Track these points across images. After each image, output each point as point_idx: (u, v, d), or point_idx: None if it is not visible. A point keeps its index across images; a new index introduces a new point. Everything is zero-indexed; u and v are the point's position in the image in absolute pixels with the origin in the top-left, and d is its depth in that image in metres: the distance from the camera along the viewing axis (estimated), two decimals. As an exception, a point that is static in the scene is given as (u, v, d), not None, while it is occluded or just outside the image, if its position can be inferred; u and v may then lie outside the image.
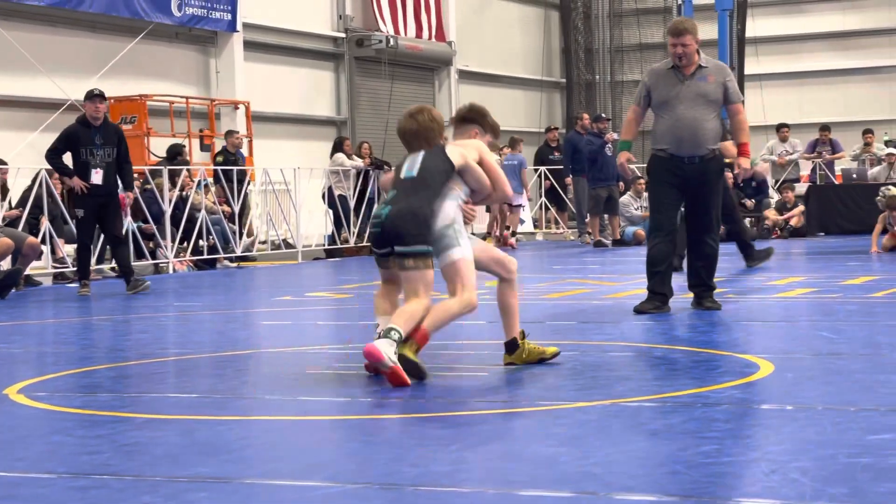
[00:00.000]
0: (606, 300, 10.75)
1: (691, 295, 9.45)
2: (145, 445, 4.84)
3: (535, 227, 25.95)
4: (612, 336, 8.16)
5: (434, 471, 4.27)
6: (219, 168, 18.51)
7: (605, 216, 20.93)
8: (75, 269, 15.56)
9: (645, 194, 21.21)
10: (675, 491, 3.86)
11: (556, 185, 24.41)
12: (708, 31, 31.79)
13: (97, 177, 12.77)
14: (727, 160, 9.69)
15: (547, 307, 10.30)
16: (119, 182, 13.20)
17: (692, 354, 7.07)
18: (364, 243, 20.34)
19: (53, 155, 13.08)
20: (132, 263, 14.21)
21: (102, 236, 14.91)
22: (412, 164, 6.56)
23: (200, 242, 17.53)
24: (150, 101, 19.90)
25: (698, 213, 9.23)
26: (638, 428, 4.89)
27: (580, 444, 4.57)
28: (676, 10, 30.13)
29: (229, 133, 19.91)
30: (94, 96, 12.87)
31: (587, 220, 21.29)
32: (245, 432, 5.21)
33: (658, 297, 9.24)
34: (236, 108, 22.07)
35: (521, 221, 24.24)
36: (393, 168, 6.95)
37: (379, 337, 6.16)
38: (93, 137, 12.81)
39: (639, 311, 9.18)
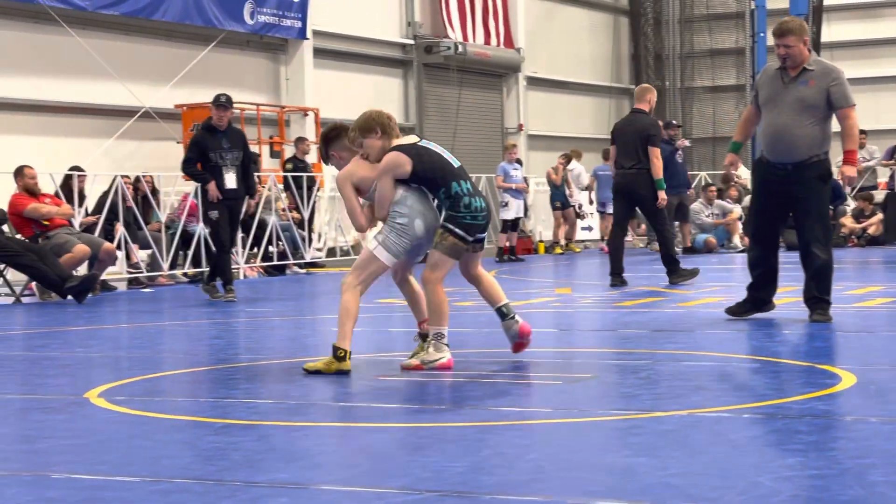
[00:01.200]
0: (678, 309, 10.69)
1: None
2: (223, 450, 4.88)
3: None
4: (686, 345, 8.11)
5: (511, 479, 4.27)
6: (288, 175, 18.63)
7: (676, 224, 20.81)
8: (149, 273, 15.72)
9: (717, 201, 21.07)
10: None
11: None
12: (780, 37, 31.63)
13: (231, 180, 12.76)
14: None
15: (618, 315, 10.27)
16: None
17: (771, 365, 7.01)
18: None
19: (188, 165, 13.15)
20: (207, 269, 14.28)
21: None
22: (444, 152, 7.20)
23: (270, 249, 17.65)
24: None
25: (798, 222, 8.97)
26: (717, 439, 4.86)
27: (658, 455, 4.55)
28: (749, 15, 29.93)
29: (299, 140, 20.03)
30: (220, 104, 12.89)
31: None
32: (320, 438, 5.24)
33: (750, 301, 9.19)
34: (306, 114, 22.20)
35: (590, 228, 24.19)
36: (418, 152, 7.07)
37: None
38: (220, 141, 12.84)
39: (729, 312, 9.21)
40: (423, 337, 7.29)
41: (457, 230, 6.98)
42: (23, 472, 4.61)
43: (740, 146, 9.49)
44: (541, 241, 23.41)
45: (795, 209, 8.94)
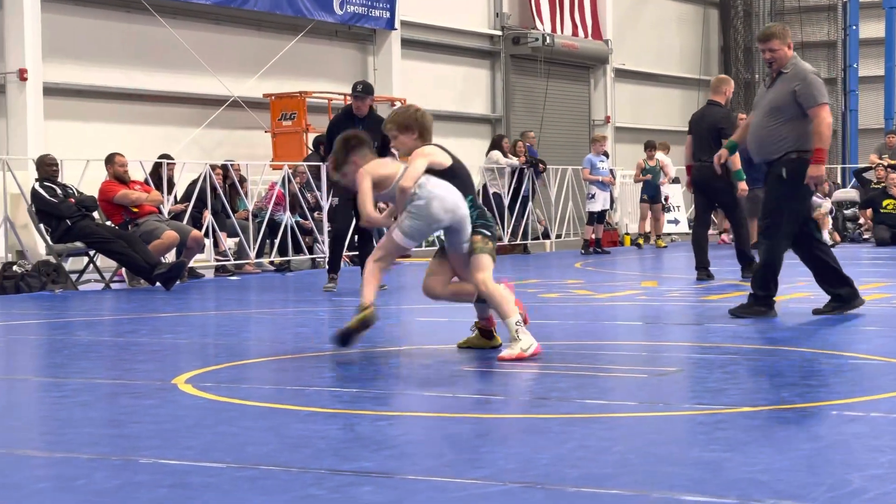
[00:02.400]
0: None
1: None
2: (309, 438, 4.90)
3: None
4: (772, 341, 8.01)
5: (596, 472, 4.24)
6: (376, 165, 18.67)
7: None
8: (235, 260, 15.86)
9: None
10: (850, 502, 3.76)
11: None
12: (874, 29, 31.09)
13: None
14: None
15: (704, 309, 10.17)
16: None
17: (859, 361, 6.90)
18: (518, 241, 20.35)
19: (326, 150, 13.27)
20: (293, 257, 14.35)
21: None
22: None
23: (356, 238, 17.69)
24: (310, 97, 20.19)
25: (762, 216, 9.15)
26: (805, 435, 4.80)
27: (745, 451, 4.49)
28: (842, 7, 29.49)
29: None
30: (357, 94, 12.92)
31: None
32: (405, 428, 5.25)
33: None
34: (393, 105, 22.26)
35: (676, 222, 24.00)
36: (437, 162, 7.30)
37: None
38: (356, 129, 12.83)
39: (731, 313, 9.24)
40: (482, 332, 7.44)
41: (480, 230, 7.24)
42: (111, 455, 4.66)
43: (736, 146, 9.87)
44: (626, 234, 23.27)
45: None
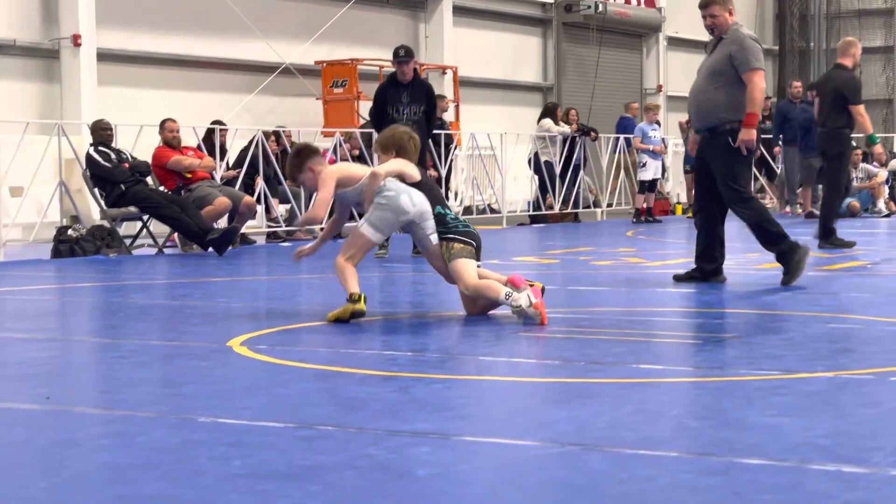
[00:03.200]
0: (821, 272, 10.47)
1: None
2: (365, 400, 4.91)
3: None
4: (829, 307, 7.94)
5: (653, 436, 4.22)
6: (426, 132, 18.64)
7: (819, 187, 20.36)
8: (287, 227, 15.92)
9: (861, 165, 20.58)
10: (909, 466, 3.73)
11: (766, 155, 23.83)
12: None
13: None
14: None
15: (759, 278, 10.09)
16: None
17: (917, 329, 6.83)
18: (569, 210, 20.29)
19: (373, 116, 13.30)
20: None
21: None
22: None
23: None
24: (361, 65, 20.18)
25: (718, 185, 9.11)
26: (865, 400, 4.75)
27: (804, 415, 4.46)
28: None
29: (438, 98, 20.01)
30: (399, 58, 12.90)
31: (798, 190, 20.74)
32: (461, 391, 5.25)
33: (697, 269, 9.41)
34: (444, 72, 22.22)
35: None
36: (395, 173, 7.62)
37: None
38: (400, 95, 12.81)
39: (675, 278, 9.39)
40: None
41: (457, 237, 7.47)
42: (170, 415, 4.69)
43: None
44: (678, 203, 23.13)
45: (713, 172, 9.12)
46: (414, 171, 7.63)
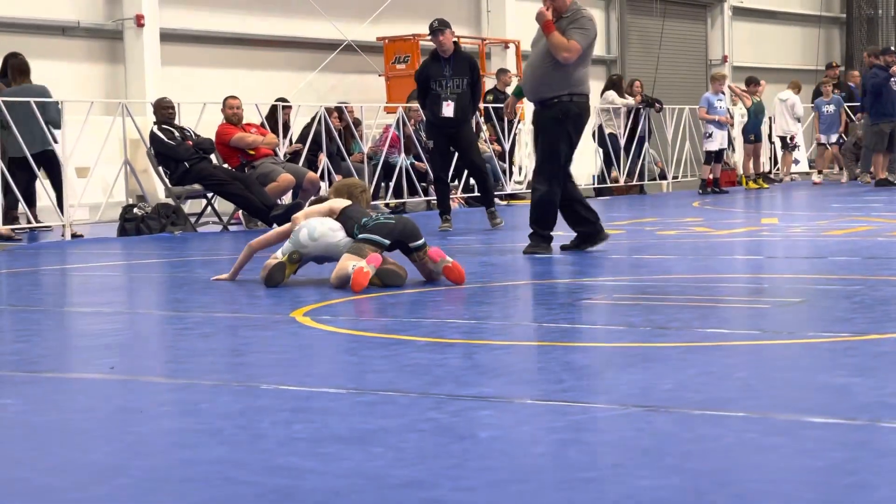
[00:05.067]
0: (893, 237, 10.31)
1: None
2: (427, 366, 4.89)
3: (811, 167, 25.09)
4: (900, 272, 7.81)
5: (719, 396, 4.16)
6: (489, 106, 18.60)
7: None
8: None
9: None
10: (983, 423, 3.64)
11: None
12: None
13: (448, 109, 12.60)
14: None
15: (829, 244, 9.96)
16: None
17: None
18: (634, 182, 20.15)
19: (418, 94, 13.29)
20: (409, 199, 14.31)
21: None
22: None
23: (471, 181, 17.67)
24: (423, 40, 20.13)
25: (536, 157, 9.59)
26: (937, 360, 4.66)
27: (874, 375, 4.37)
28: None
29: (500, 72, 19.96)
30: (435, 30, 12.85)
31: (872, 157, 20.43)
32: (523, 356, 5.22)
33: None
34: (506, 47, 22.13)
35: (796, 161, 23.56)
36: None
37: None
38: (442, 69, 12.74)
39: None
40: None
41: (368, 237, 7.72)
42: (233, 382, 4.70)
43: (521, 91, 9.96)
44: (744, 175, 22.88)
45: (536, 144, 9.49)
46: (338, 205, 8.05)
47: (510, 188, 18.49)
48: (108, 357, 5.38)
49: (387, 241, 7.71)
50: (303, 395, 4.38)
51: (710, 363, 4.82)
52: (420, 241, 7.79)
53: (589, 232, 9.63)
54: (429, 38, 13.06)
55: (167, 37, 17.82)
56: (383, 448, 3.57)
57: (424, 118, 13.42)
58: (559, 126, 9.39)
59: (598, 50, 25.32)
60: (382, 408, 4.14)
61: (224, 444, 3.70)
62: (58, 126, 13.00)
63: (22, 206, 13.13)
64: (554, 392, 4.36)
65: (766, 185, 21.28)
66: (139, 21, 17.27)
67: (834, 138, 21.89)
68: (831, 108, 21.86)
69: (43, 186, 13.22)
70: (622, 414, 3.94)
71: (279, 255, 7.88)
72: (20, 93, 12.99)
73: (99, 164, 13.64)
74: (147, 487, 3.27)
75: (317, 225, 7.88)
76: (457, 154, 13.36)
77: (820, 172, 21.74)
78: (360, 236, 7.76)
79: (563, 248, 9.64)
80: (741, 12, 28.48)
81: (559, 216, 9.64)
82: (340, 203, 8.12)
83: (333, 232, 7.87)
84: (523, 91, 9.73)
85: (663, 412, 3.93)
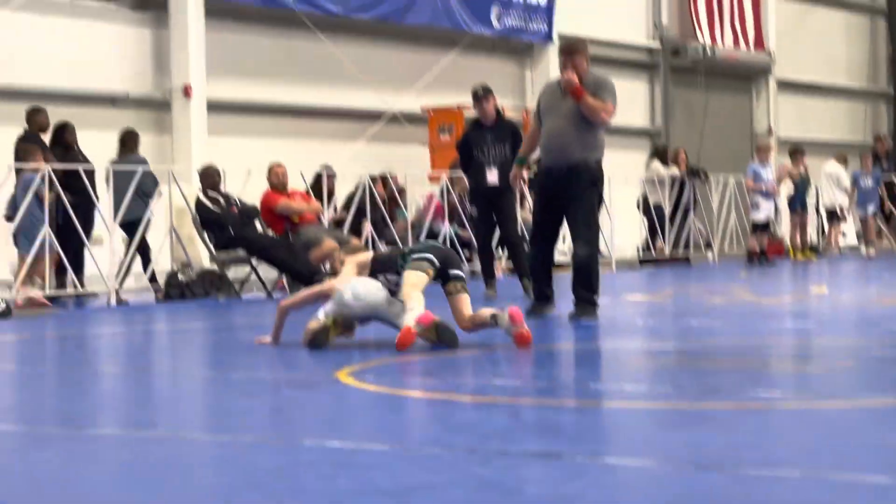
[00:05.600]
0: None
1: None
2: (473, 425, 4.80)
3: (859, 240, 24.83)
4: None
5: (776, 456, 4.06)
6: (533, 175, 18.56)
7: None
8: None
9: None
10: None
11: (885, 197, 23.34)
12: None
13: (492, 176, 12.52)
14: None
15: (879, 312, 9.81)
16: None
17: None
18: (679, 252, 20.02)
19: (460, 161, 13.27)
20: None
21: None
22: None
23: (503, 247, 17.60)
24: (467, 111, 20.16)
25: (568, 222, 9.52)
26: None
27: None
28: None
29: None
30: (478, 96, 12.84)
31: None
32: (572, 416, 5.11)
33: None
34: (550, 118, 22.12)
35: (843, 234, 23.37)
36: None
37: None
38: (485, 136, 12.70)
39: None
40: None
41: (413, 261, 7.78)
42: (276, 439, 4.62)
43: (525, 160, 10.22)
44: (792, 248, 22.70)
45: (567, 209, 9.43)
46: (364, 257, 8.08)
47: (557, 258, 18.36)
48: (149, 414, 5.33)
49: (438, 264, 7.70)
50: (346, 451, 4.30)
51: (765, 423, 4.71)
52: (460, 272, 7.83)
53: (551, 299, 9.81)
54: (472, 107, 13.03)
55: (214, 107, 17.94)
56: (429, 502, 3.48)
57: (468, 186, 13.37)
58: (595, 188, 9.47)
59: (643, 121, 25.37)
60: (427, 463, 4.05)
61: (266, 498, 3.62)
62: (151, 196, 13.54)
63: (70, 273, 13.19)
64: (604, 450, 4.26)
65: (813, 257, 21.09)
66: (187, 91, 17.40)
67: (871, 209, 21.77)
68: (869, 181, 21.78)
69: (90, 254, 13.24)
70: (674, 472, 3.83)
71: (321, 317, 7.79)
72: (128, 163, 13.82)
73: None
74: (187, 539, 3.19)
75: (359, 285, 7.82)
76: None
77: (868, 243, 21.55)
78: (415, 256, 7.76)
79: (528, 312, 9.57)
80: (786, 85, 28.43)
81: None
82: (364, 255, 8.11)
83: (378, 291, 7.81)
84: (546, 156, 9.55)
85: (716, 470, 3.82)
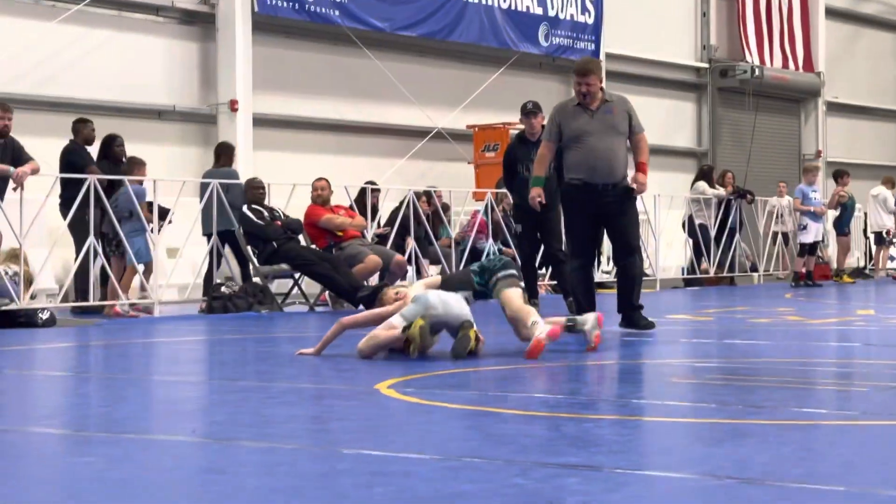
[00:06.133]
0: None
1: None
2: (513, 436, 4.77)
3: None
4: None
5: (819, 471, 4.00)
6: (579, 195, 18.50)
7: None
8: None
9: None
10: None
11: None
12: None
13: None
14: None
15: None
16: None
17: None
18: (724, 273, 19.88)
19: (504, 176, 13.24)
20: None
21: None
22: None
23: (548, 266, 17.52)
24: (513, 128, 20.15)
25: (616, 235, 9.88)
26: None
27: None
28: None
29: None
30: (528, 112, 12.80)
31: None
32: (613, 429, 5.07)
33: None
34: (596, 137, 22.06)
35: (891, 258, 23.15)
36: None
37: None
38: (530, 152, 12.62)
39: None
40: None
41: (500, 274, 8.14)
42: (315, 447, 4.61)
43: (543, 181, 10.18)
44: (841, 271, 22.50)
45: (611, 224, 9.78)
46: (434, 280, 8.38)
47: (597, 277, 18.29)
48: (190, 421, 5.33)
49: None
50: (385, 460, 4.28)
51: (809, 440, 4.65)
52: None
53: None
54: (518, 123, 13.00)
55: (260, 121, 18.02)
56: (468, 510, 3.46)
57: (512, 202, 13.31)
58: (634, 201, 9.88)
59: (689, 142, 25.26)
60: (466, 473, 4.02)
61: (305, 503, 3.60)
62: (240, 209, 13.78)
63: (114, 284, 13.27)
64: (644, 463, 4.22)
65: (852, 280, 20.87)
66: (233, 106, 17.49)
67: None
68: None
69: (136, 267, 13.31)
70: (717, 486, 3.78)
71: (395, 323, 7.71)
72: (219, 175, 14.11)
73: (188, 246, 13.73)
74: (224, 541, 3.18)
75: (441, 292, 7.86)
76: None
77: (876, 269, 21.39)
78: (502, 274, 8.05)
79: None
80: (835, 108, 28.24)
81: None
82: (434, 279, 8.35)
83: (461, 301, 7.87)
84: (589, 174, 9.66)
85: (760, 485, 3.77)
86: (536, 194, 10.11)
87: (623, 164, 9.63)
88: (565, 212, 10.14)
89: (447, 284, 8.12)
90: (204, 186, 14.00)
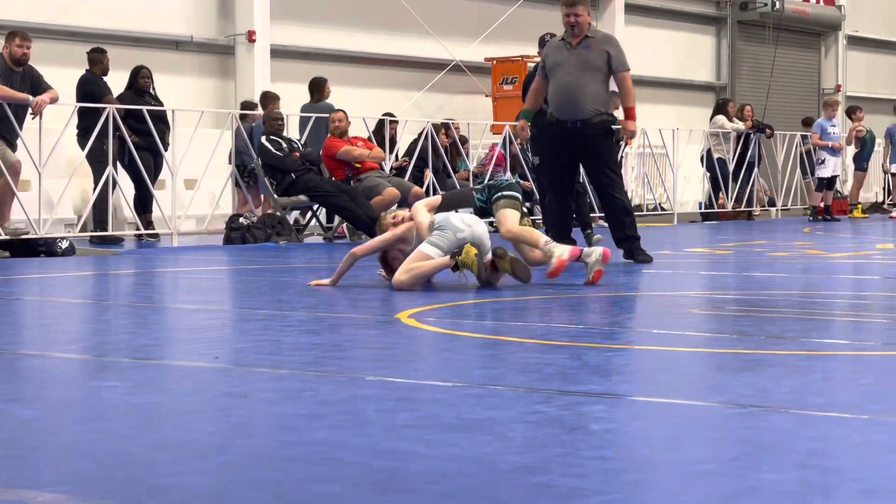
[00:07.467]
0: None
1: None
2: (535, 365, 4.77)
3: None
4: None
5: (841, 400, 4.01)
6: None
7: None
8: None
9: None
10: None
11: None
12: None
13: None
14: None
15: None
16: None
17: None
18: (742, 208, 19.83)
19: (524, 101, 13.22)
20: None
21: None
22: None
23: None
24: (531, 61, 20.03)
25: (591, 173, 10.01)
26: None
27: None
28: None
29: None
30: (545, 44, 12.73)
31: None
32: (634, 358, 5.08)
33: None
34: (616, 70, 21.93)
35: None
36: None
37: None
38: None
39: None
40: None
41: (503, 192, 8.17)
42: (337, 373, 4.63)
43: (530, 114, 10.13)
44: (859, 204, 22.42)
45: (586, 161, 9.80)
46: (434, 200, 8.30)
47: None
48: (212, 348, 5.35)
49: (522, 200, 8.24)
50: (408, 387, 4.29)
51: (832, 369, 4.65)
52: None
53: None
54: (536, 56, 12.92)
55: (277, 53, 17.96)
56: (491, 436, 3.47)
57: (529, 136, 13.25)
58: (609, 138, 9.84)
59: (708, 75, 25.09)
60: (490, 400, 4.03)
61: (328, 427, 3.61)
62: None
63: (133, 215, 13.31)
64: (668, 391, 4.22)
65: (859, 214, 20.82)
66: (251, 37, 17.42)
67: None
68: None
69: (155, 199, 13.33)
70: (739, 413, 3.79)
71: (429, 252, 7.62)
72: (317, 109, 14.79)
73: (206, 177, 13.73)
74: (249, 464, 3.19)
75: (464, 214, 7.85)
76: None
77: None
78: (506, 194, 8.05)
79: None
80: (856, 41, 28.01)
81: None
82: (434, 199, 8.26)
83: (480, 223, 7.83)
84: (558, 110, 9.67)
85: (783, 412, 3.77)
86: (521, 127, 10.13)
87: (594, 101, 9.56)
88: (545, 145, 10.22)
89: (448, 202, 8.09)
90: (304, 121, 14.72)
